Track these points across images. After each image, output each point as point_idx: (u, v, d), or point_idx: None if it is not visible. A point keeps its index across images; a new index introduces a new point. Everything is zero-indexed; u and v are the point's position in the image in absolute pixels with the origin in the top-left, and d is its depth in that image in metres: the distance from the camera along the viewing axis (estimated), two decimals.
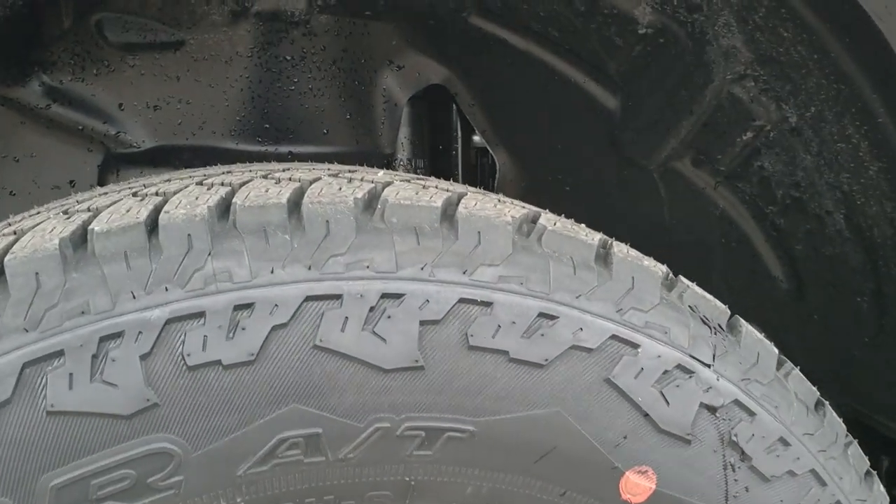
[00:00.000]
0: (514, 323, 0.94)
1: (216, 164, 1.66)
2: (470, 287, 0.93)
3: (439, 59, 1.77)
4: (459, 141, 1.95)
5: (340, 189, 0.97)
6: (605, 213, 2.00)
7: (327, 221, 0.91)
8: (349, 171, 1.12)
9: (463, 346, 0.92)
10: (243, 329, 0.86)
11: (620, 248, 1.07)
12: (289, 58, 1.64)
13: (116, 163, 1.66)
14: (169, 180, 1.06)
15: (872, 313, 1.72)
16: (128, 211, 0.90)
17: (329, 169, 1.11)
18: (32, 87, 1.61)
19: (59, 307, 0.83)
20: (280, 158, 1.68)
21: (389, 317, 0.90)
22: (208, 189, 0.96)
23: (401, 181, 1.06)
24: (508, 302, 0.94)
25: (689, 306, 1.07)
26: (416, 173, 1.92)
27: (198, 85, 1.63)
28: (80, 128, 1.64)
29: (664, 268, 1.11)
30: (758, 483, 1.04)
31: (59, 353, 0.82)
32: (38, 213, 1.03)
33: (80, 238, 0.88)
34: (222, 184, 0.98)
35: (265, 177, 1.02)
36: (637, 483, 0.99)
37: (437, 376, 0.91)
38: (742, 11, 1.47)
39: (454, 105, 1.93)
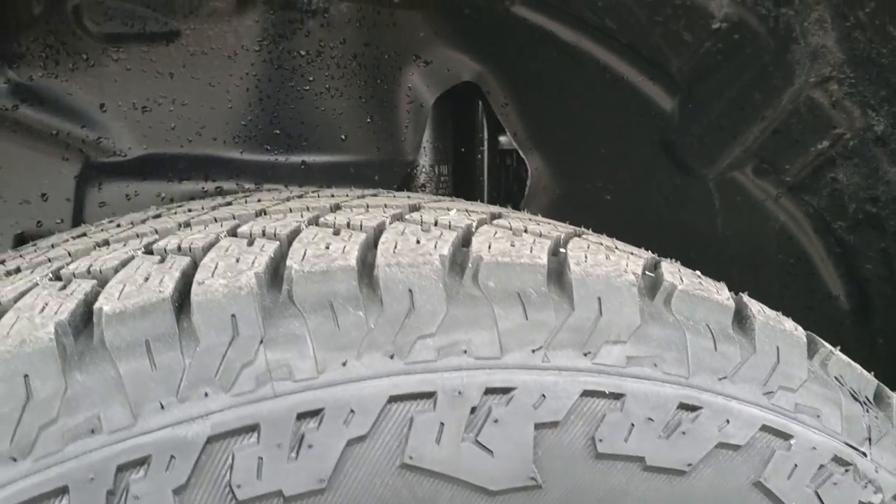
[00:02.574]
0: (650, 419, 0.72)
1: (216, 177, 1.44)
2: (595, 374, 0.72)
3: (472, 53, 1.54)
4: (486, 143, 1.73)
5: (419, 242, 0.74)
6: (649, 224, 1.80)
7: (410, 290, 0.69)
8: (409, 203, 0.90)
9: (589, 455, 0.70)
10: (310, 447, 0.64)
11: (755, 307, 0.86)
12: (303, 52, 1.39)
13: (97, 174, 1.41)
14: (188, 224, 0.82)
15: None
16: (146, 279, 0.67)
17: (386, 206, 0.89)
18: None
19: (59, 424, 0.60)
20: (292, 169, 1.45)
21: (496, 420, 0.68)
22: (249, 244, 0.73)
23: (479, 219, 0.84)
24: (643, 392, 0.73)
25: (836, 377, 0.87)
26: (440, 181, 1.70)
27: (195, 83, 1.39)
28: (54, 132, 1.39)
29: (801, 329, 0.90)
30: None
31: (62, 491, 0.59)
32: (15, 268, 0.79)
33: (83, 321, 0.65)
34: (264, 234, 0.76)
35: (315, 221, 0.80)
36: None
37: (557, 496, 0.69)
38: (842, 6, 1.27)
39: (479, 103, 1.70)
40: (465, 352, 0.69)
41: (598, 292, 0.74)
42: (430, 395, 0.67)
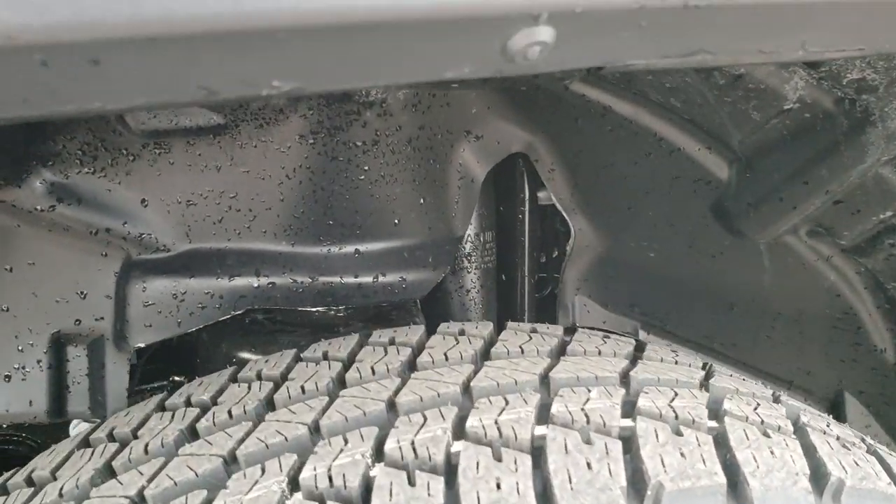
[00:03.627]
0: None
1: (267, 271, 1.36)
2: None
3: (524, 125, 1.48)
4: (527, 204, 1.67)
5: (590, 466, 0.69)
6: (693, 280, 1.77)
7: None
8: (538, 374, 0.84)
9: None
10: None
11: None
12: (359, 143, 1.32)
13: (140, 271, 1.32)
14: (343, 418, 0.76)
15: None
16: None
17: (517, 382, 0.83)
18: (31, 185, 1.26)
19: None
20: (346, 259, 1.38)
21: None
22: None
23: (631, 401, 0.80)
24: None
25: None
26: (486, 248, 1.64)
27: (244, 176, 1.30)
28: (93, 231, 1.30)
29: None
30: None
31: None
32: None
33: None
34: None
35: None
36: None
37: None
38: None
39: (520, 162, 1.64)
40: None
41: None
42: None
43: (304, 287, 1.37)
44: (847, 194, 1.44)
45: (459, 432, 0.74)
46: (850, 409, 1.85)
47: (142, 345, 1.34)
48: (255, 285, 1.35)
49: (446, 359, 0.90)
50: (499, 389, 0.82)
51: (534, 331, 1.02)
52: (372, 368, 0.88)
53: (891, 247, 1.53)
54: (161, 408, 0.96)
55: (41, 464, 0.90)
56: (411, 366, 0.90)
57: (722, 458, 0.74)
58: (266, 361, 1.00)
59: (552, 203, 1.67)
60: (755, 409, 0.87)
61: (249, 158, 1.30)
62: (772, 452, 0.76)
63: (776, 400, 0.97)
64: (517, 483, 0.67)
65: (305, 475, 0.69)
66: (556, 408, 0.78)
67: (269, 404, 0.87)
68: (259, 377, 0.95)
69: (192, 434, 0.85)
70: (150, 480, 0.75)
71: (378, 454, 0.72)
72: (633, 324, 1.92)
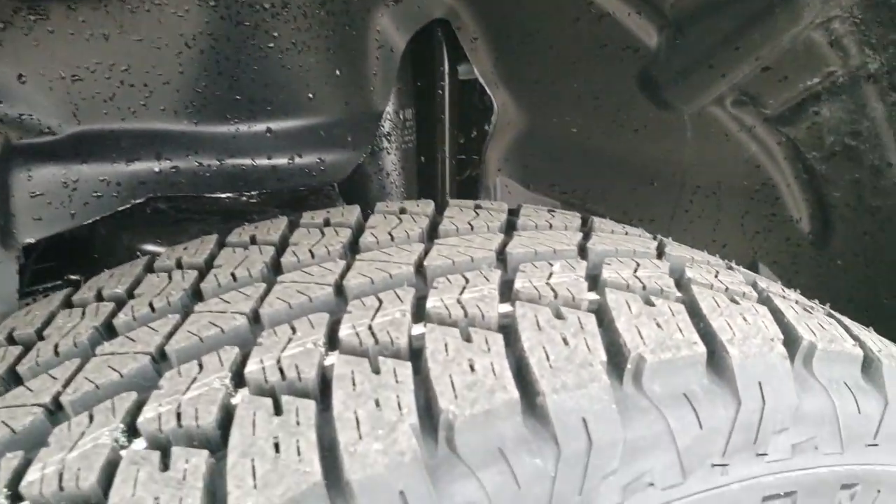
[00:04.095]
0: None
1: (170, 154, 1.22)
2: (769, 475, 0.65)
3: None
4: (447, 79, 1.57)
5: (567, 342, 0.63)
6: (615, 155, 1.74)
7: (584, 420, 0.59)
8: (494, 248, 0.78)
9: None
10: None
11: (874, 343, 0.81)
12: (267, 6, 1.17)
13: (23, 158, 1.17)
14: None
15: None
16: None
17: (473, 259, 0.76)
18: None
19: None
20: (256, 138, 1.25)
21: None
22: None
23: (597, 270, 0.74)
24: (810, 484, 0.67)
25: None
26: (405, 127, 1.54)
27: (137, 46, 1.15)
28: None
29: None
30: None
31: None
32: None
33: None
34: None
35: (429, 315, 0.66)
36: None
37: None
38: None
39: (439, 34, 1.54)
40: (651, 484, 0.60)
41: (757, 376, 0.67)
42: None
43: (211, 171, 1.24)
44: (776, 61, 1.41)
45: (420, 314, 0.67)
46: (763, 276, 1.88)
47: (31, 240, 1.19)
48: (157, 170, 1.22)
49: (392, 238, 0.82)
50: (455, 268, 0.75)
51: (478, 207, 0.95)
52: (311, 251, 0.79)
53: (814, 115, 1.51)
54: (67, 304, 0.85)
55: None
56: (354, 247, 0.82)
57: (697, 326, 0.69)
58: (185, 249, 0.89)
59: (473, 78, 1.58)
60: (716, 276, 0.83)
61: (142, 25, 1.14)
62: (745, 319, 0.72)
63: (729, 267, 0.94)
64: (491, 364, 0.60)
65: (251, 369, 0.61)
66: (520, 283, 0.71)
67: (196, 294, 0.77)
68: (179, 265, 0.84)
69: (108, 331, 0.74)
70: (66, 385, 0.65)
71: (332, 342, 0.64)
72: (553, 203, 1.87)
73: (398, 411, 0.56)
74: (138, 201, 1.21)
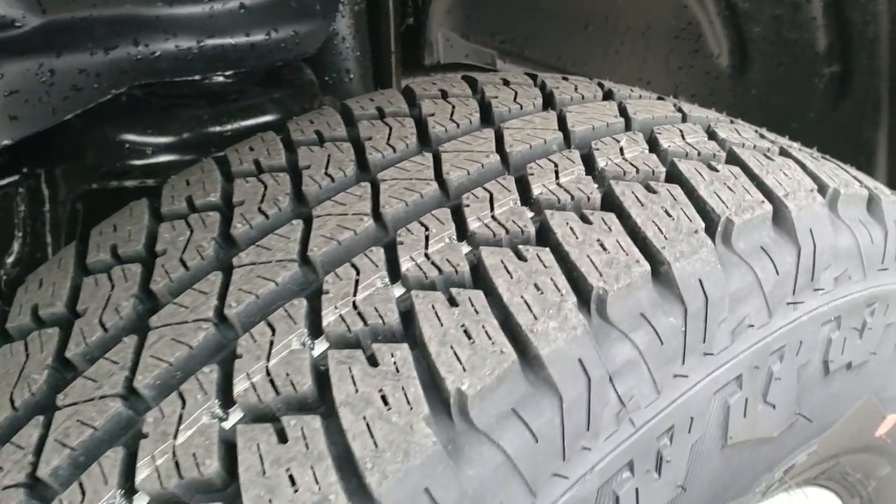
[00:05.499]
0: (854, 329, 0.82)
1: (141, 38, 1.18)
2: (823, 306, 0.79)
3: None
4: None
5: (671, 216, 0.73)
6: (551, 2, 1.80)
7: (700, 281, 0.70)
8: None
9: (823, 376, 0.81)
10: (668, 461, 0.67)
11: (870, 182, 0.95)
12: None
13: None
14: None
15: (829, 93, 1.78)
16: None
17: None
18: None
19: None
20: (232, 16, 1.22)
21: (778, 378, 0.74)
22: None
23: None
24: (848, 306, 0.82)
25: None
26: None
27: None
28: None
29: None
30: None
31: None
32: None
33: None
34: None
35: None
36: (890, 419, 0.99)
37: (808, 418, 0.79)
38: None
39: None
40: (751, 326, 0.72)
41: (808, 224, 0.79)
42: (738, 378, 0.71)
43: (192, 54, 1.21)
44: None
45: (528, 202, 0.74)
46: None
47: (8, 142, 1.14)
48: (137, 57, 1.17)
49: (458, 126, 0.86)
50: (533, 152, 0.81)
51: (506, 82, 0.99)
52: (329, 175, 0.80)
53: None
54: (83, 268, 0.80)
55: None
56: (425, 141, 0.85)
57: (758, 186, 0.80)
58: (188, 184, 0.85)
59: None
60: (737, 133, 0.93)
61: None
62: (785, 174, 0.83)
63: (731, 121, 1.04)
64: (618, 241, 0.69)
65: (406, 266, 0.67)
66: (603, 162, 0.79)
67: (229, 240, 0.76)
68: (193, 207, 0.81)
69: (149, 298, 0.72)
70: (133, 369, 0.64)
71: (462, 235, 0.70)
72: (490, 53, 1.91)
73: (558, 292, 0.64)
74: (120, 91, 1.17)
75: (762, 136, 0.96)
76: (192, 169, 0.90)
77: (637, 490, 0.65)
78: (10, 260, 1.39)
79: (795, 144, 1.00)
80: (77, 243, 0.85)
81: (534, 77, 1.03)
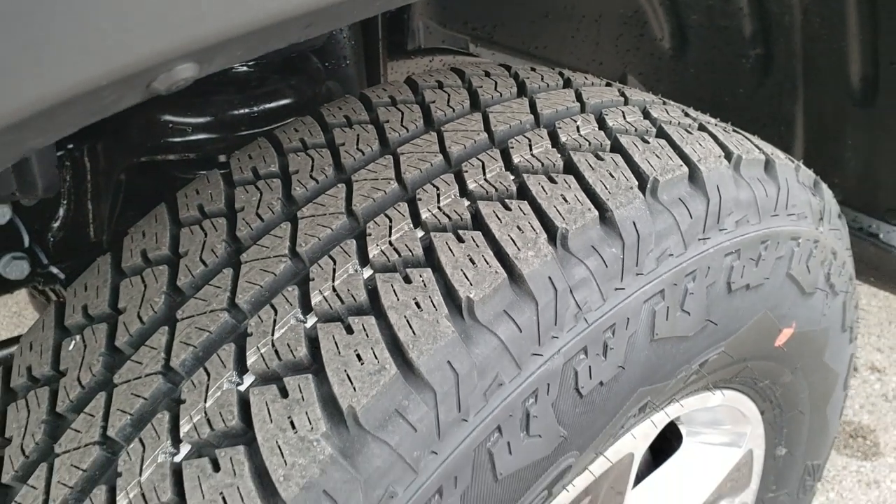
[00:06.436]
0: (751, 258, 1.12)
1: None
2: (727, 241, 1.08)
3: None
4: None
5: (613, 175, 1.01)
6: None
7: (633, 223, 0.98)
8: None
9: (727, 293, 1.10)
10: (612, 349, 0.96)
11: (769, 149, 1.23)
12: None
13: None
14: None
15: (755, 72, 2.07)
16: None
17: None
18: None
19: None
20: None
21: (692, 293, 1.04)
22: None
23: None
24: (745, 241, 1.11)
25: (803, 182, 1.29)
26: None
27: None
28: None
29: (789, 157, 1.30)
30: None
31: None
32: None
33: None
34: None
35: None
36: (785, 332, 1.29)
37: (717, 325, 1.09)
38: None
39: None
40: (671, 255, 1.00)
41: (716, 181, 1.07)
42: (661, 292, 0.99)
43: None
44: None
45: (511, 168, 1.01)
46: (631, 85, 2.32)
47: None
48: None
49: (454, 111, 1.13)
50: (512, 130, 1.08)
51: (487, 74, 1.26)
52: (364, 145, 1.09)
53: None
54: (119, 270, 1.02)
55: None
56: (429, 121, 1.12)
57: (678, 153, 1.08)
58: (197, 193, 1.06)
59: None
60: (667, 112, 1.20)
61: None
62: (700, 144, 1.12)
63: (664, 102, 1.31)
64: (575, 196, 0.97)
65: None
66: (564, 137, 1.06)
67: (234, 240, 0.96)
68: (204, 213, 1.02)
69: (176, 292, 0.95)
70: (168, 351, 0.87)
71: (464, 192, 0.97)
72: (464, 38, 2.17)
73: (534, 231, 0.92)
74: None
75: (686, 115, 1.24)
76: (200, 179, 1.08)
77: (590, 367, 0.94)
78: (55, 224, 1.61)
79: (713, 120, 1.28)
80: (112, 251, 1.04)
81: (509, 68, 1.29)
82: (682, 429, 1.50)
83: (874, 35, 1.71)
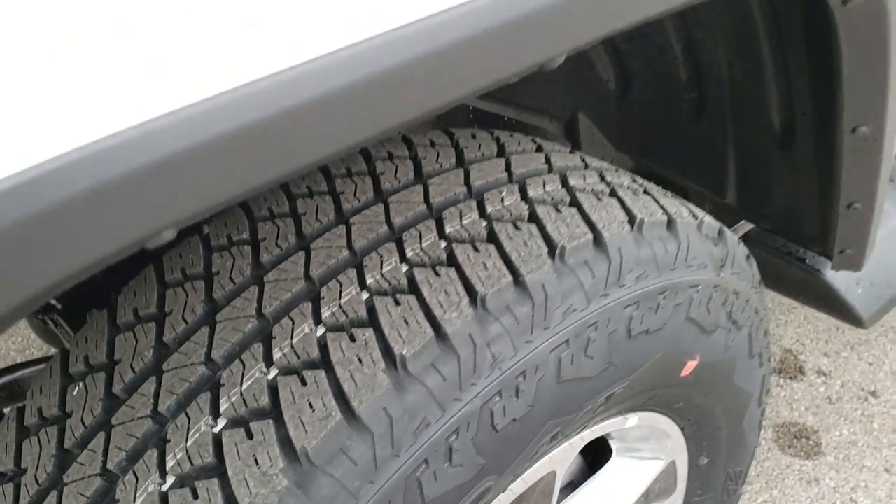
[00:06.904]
0: (650, 308, 1.32)
1: None
2: (627, 295, 1.29)
3: None
4: None
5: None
6: None
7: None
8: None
9: (628, 337, 1.31)
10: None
11: (673, 208, 1.44)
12: None
13: None
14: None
15: (691, 113, 2.28)
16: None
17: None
18: None
19: None
20: None
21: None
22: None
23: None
24: (645, 294, 1.31)
25: (706, 235, 1.50)
26: None
27: None
28: None
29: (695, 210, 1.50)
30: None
31: None
32: None
33: None
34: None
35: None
36: (690, 364, 1.50)
37: (620, 366, 1.30)
38: None
39: None
40: (575, 310, 1.21)
41: (618, 245, 1.28)
42: (567, 342, 1.20)
43: None
44: None
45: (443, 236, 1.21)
46: (582, 125, 2.53)
47: None
48: None
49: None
50: (446, 201, 1.28)
51: (433, 144, 1.45)
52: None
53: None
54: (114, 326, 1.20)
55: None
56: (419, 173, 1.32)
57: (586, 220, 1.28)
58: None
59: None
60: (584, 179, 1.40)
61: None
62: (607, 212, 1.32)
63: (586, 166, 1.51)
64: (494, 263, 1.17)
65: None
66: (490, 208, 1.26)
67: (212, 303, 1.14)
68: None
69: (162, 347, 1.23)
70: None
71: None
72: None
73: (457, 294, 1.12)
74: None
75: (602, 179, 1.44)
76: (182, 244, 1.22)
77: (504, 407, 1.14)
78: None
79: (627, 181, 1.48)
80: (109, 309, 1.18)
81: (451, 135, 1.49)
82: (612, 444, 1.71)
83: (788, 88, 1.91)
